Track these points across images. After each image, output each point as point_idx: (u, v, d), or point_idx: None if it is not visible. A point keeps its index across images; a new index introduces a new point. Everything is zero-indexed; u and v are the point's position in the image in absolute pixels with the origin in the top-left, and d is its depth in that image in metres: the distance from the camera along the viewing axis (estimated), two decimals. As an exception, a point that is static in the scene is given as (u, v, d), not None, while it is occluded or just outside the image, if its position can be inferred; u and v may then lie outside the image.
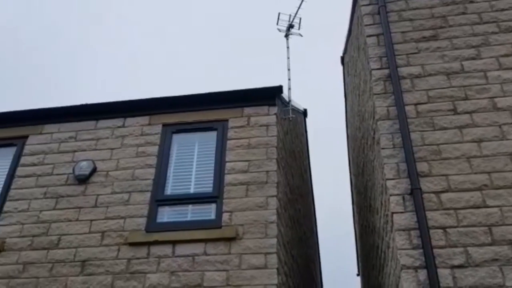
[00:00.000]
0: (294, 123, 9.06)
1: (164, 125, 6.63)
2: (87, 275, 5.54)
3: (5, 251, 5.83)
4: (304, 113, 11.45)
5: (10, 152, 6.72)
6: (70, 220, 5.97)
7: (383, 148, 5.08)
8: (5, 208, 6.20)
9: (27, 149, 6.69)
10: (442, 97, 5.26)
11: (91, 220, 5.93)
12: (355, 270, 13.88)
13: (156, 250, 5.59)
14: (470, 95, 5.22)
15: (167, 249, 5.57)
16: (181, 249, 5.55)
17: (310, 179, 12.62)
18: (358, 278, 13.12)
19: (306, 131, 12.04)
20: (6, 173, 6.53)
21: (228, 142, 6.35)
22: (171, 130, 6.59)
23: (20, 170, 6.51)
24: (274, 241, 5.48)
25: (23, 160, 6.60)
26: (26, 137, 6.80)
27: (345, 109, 12.27)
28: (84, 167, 6.25)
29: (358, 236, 11.91)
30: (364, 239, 9.58)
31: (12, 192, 6.33)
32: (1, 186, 6.42)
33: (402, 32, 5.92)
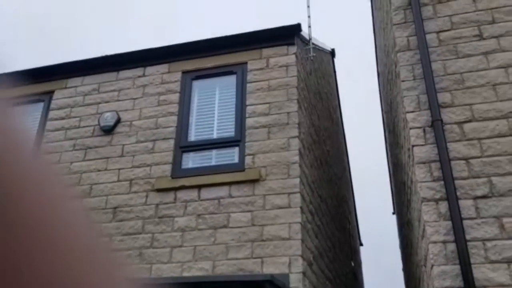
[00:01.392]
0: (319, 63, 8.83)
1: (183, 72, 6.61)
2: (118, 221, 5.78)
3: (41, 201, 6.15)
4: (332, 53, 11.13)
5: (38, 107, 6.93)
6: (99, 170, 6.18)
7: (403, 81, 4.88)
8: (38, 162, 6.47)
9: (54, 103, 6.88)
10: (467, 22, 4.94)
11: (119, 169, 6.12)
12: (391, 209, 13.88)
13: (182, 194, 5.74)
14: (497, 18, 4.86)
15: (193, 194, 5.71)
16: (206, 193, 5.67)
17: (340, 120, 12.45)
18: (394, 217, 13.13)
19: (334, 71, 11.76)
20: (36, 128, 6.78)
21: (248, 85, 6.28)
22: (190, 77, 6.57)
23: (49, 125, 6.73)
24: (297, 181, 5.50)
25: (51, 114, 6.81)
26: (52, 92, 6.98)
27: (374, 46, 11.84)
28: (108, 118, 6.38)
29: (391, 174, 11.81)
30: (395, 177, 9.49)
31: (43, 146, 6.58)
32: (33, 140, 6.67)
33: (425, -45, 5.51)
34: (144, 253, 5.47)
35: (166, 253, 5.38)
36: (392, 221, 15.88)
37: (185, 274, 5.18)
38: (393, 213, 13.00)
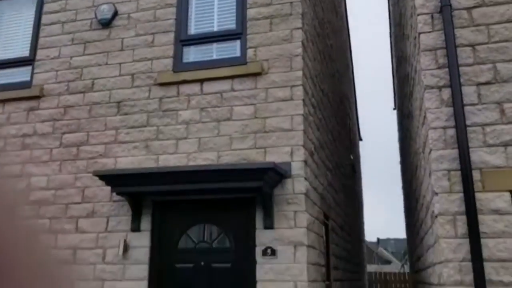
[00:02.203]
0: (323, -50, 8.32)
1: (180, -41, 6.25)
2: (123, 114, 5.85)
3: (45, 96, 6.18)
4: None
5: (32, 0, 6.67)
6: (100, 64, 6.12)
7: (413, -36, 4.65)
8: (37, 57, 6.40)
9: (47, -4, 6.61)
10: None
11: (120, 63, 6.06)
12: (392, 105, 13.97)
13: (185, 89, 5.74)
14: None
15: (195, 88, 5.71)
16: (209, 87, 5.66)
17: (345, 15, 12.05)
18: (395, 112, 13.27)
19: (340, -39, 11.13)
20: (32, 22, 6.58)
21: (249, -27, 5.97)
22: (188, -36, 6.22)
23: (45, 18, 6.53)
24: (299, 73, 5.46)
25: (46, 7, 6.58)
26: (44, -17, 6.67)
27: None
28: (105, 11, 6.17)
29: (394, 70, 11.71)
30: (399, 71, 9.42)
31: (41, 41, 6.46)
32: (31, 35, 6.53)
33: None
34: (150, 145, 5.61)
35: (172, 145, 5.52)
36: (392, 118, 16.05)
37: (191, 163, 5.36)
38: (394, 109, 13.12)
